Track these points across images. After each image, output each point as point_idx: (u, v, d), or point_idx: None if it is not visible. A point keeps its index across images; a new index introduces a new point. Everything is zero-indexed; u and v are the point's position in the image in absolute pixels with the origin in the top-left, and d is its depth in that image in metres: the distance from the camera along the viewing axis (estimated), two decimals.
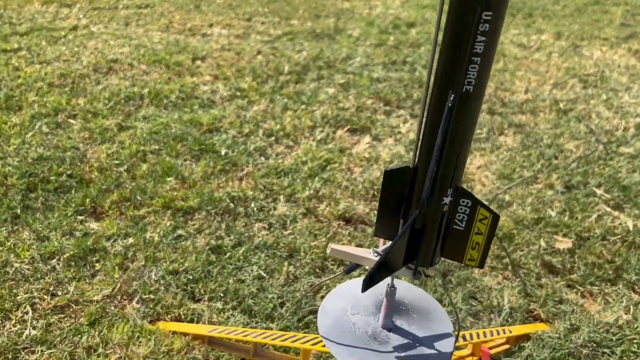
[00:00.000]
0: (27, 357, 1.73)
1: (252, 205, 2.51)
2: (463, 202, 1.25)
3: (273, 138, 3.12)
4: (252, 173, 2.76)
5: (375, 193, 2.65)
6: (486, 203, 2.62)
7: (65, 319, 1.88)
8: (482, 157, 3.11)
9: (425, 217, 1.25)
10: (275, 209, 2.51)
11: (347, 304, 1.53)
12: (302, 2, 5.79)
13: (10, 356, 1.72)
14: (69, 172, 2.64)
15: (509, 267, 2.27)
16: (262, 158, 2.92)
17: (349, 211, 2.52)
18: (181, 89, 3.61)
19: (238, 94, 3.64)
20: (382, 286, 1.42)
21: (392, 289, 1.44)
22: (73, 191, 2.51)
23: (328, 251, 1.36)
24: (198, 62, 4.11)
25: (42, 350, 1.75)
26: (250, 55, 4.27)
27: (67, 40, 4.32)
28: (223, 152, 2.91)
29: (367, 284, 1.25)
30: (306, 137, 3.17)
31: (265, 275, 2.12)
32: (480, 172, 2.96)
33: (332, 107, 3.51)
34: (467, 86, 1.07)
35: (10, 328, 1.82)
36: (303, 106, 3.51)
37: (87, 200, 2.45)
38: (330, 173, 2.83)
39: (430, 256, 1.33)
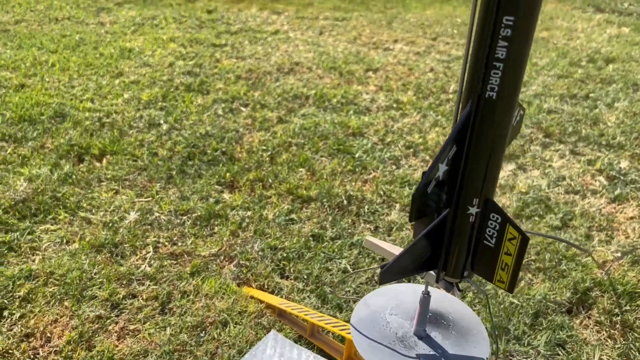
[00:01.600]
0: (137, 287, 2.09)
1: (366, 207, 2.62)
2: (493, 217, 1.22)
3: (411, 150, 3.17)
4: (377, 178, 2.87)
5: None
6: (624, 255, 2.36)
7: (175, 265, 2.22)
8: (638, 207, 2.76)
9: (453, 225, 1.25)
10: (387, 215, 2.59)
11: (389, 303, 1.57)
12: None
13: (124, 282, 2.10)
14: (223, 149, 3.04)
15: (618, 325, 2.02)
16: (393, 167, 3.00)
17: None
18: (344, 94, 3.86)
19: (395, 105, 3.76)
20: (432, 294, 1.44)
21: (425, 296, 1.44)
22: (221, 165, 2.90)
23: (363, 242, 1.42)
24: (369, 73, 4.33)
25: (148, 284, 2.10)
26: (421, 72, 4.36)
27: (266, 42, 4.90)
28: (357, 154, 3.06)
29: (382, 277, 1.28)
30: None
31: (350, 269, 2.22)
32: (629, 223, 2.64)
33: None
34: (489, 92, 1.06)
35: (133, 261, 2.22)
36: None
37: (228, 174, 2.81)
38: None
39: (460, 268, 1.32)
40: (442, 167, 1.10)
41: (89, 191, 2.62)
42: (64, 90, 3.64)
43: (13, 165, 2.76)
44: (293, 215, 2.53)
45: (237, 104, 3.64)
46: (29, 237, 2.30)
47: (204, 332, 1.90)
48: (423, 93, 3.97)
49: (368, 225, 2.50)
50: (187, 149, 3.03)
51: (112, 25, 5.08)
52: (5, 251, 2.21)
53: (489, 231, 1.24)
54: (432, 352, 1.45)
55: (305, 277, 2.17)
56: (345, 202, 2.64)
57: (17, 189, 2.57)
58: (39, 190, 2.57)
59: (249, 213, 2.52)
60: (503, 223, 1.21)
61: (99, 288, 2.05)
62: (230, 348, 1.84)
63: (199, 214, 2.50)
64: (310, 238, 2.38)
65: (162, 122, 3.32)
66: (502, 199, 2.75)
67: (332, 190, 2.70)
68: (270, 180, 2.78)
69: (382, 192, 2.74)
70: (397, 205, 2.65)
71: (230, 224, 2.45)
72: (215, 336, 1.88)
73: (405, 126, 3.46)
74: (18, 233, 2.30)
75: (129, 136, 3.14)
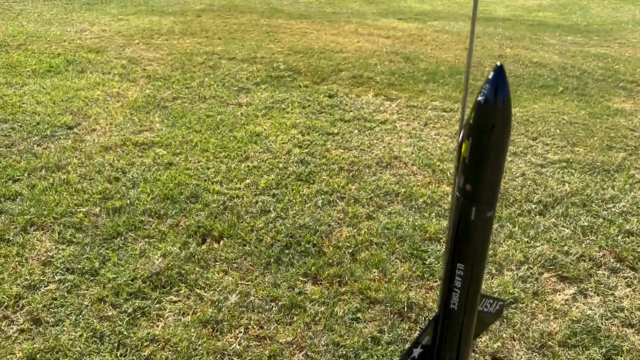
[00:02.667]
0: None
1: (425, 315, 3.05)
2: None
3: None
4: (439, 287, 3.29)
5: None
6: None
7: (259, 346, 2.83)
8: None
9: None
10: None
11: None
12: (601, 129, 5.77)
13: (218, 356, 2.75)
14: (314, 242, 3.65)
15: None
16: None
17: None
18: (431, 194, 4.31)
19: None
20: None
21: None
22: (309, 257, 3.50)
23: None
24: None
25: None
26: (511, 176, 4.67)
27: (373, 132, 5.51)
28: (428, 260, 3.51)
29: None
30: (511, 270, 3.48)
31: None
32: None
33: (553, 248, 3.69)
34: (452, 305, 1.53)
35: (227, 338, 2.86)
36: (527, 239, 3.79)
37: (314, 267, 3.40)
38: (513, 312, 3.12)
39: None
40: (417, 350, 1.58)
41: (206, 270, 3.35)
42: (200, 171, 4.51)
43: (153, 241, 3.60)
44: (359, 315, 3.05)
45: (335, 196, 4.25)
46: (157, 305, 3.05)
47: None
48: (506, 200, 4.30)
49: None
50: (286, 238, 3.68)
51: (248, 107, 6.01)
52: (139, 315, 2.97)
53: None
54: None
55: None
56: (406, 308, 3.10)
57: (154, 262, 3.37)
58: (170, 265, 3.35)
59: (322, 308, 3.08)
60: None
61: (200, 359, 2.72)
62: None
63: (284, 302, 3.11)
64: (369, 339, 2.88)
65: (271, 209, 4.02)
66: (553, 324, 3.03)
67: (397, 296, 3.17)
68: (347, 278, 3.33)
69: None
70: None
71: (307, 315, 3.02)
72: None
73: None
74: (150, 301, 3.07)
75: (243, 221, 3.87)
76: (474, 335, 1.70)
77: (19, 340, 2.77)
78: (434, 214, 4.08)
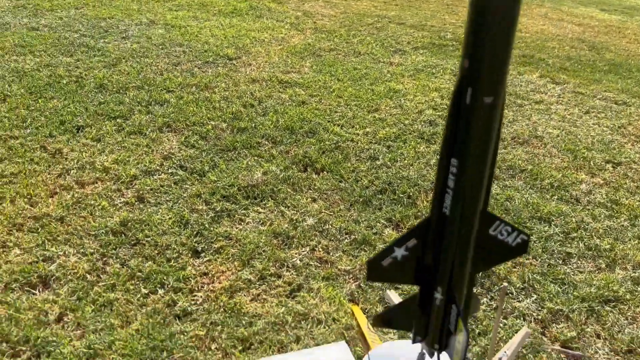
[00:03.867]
0: (284, 271, 2.81)
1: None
2: (453, 309, 1.52)
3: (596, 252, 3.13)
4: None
5: None
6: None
7: (318, 267, 2.87)
8: None
9: (426, 301, 1.58)
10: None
11: (411, 357, 1.92)
12: None
13: (278, 265, 2.85)
14: (410, 194, 3.55)
15: None
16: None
17: None
18: (561, 179, 3.89)
19: (609, 204, 3.64)
20: None
21: (422, 355, 1.77)
22: (399, 206, 3.41)
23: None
24: (608, 166, 4.18)
25: (292, 272, 2.80)
26: None
27: (521, 109, 5.10)
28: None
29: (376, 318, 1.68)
30: (624, 269, 3.02)
31: None
32: None
33: None
34: (444, 209, 1.39)
35: (292, 253, 2.95)
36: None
37: (399, 215, 3.31)
38: (608, 311, 2.73)
39: (436, 340, 1.63)
40: (400, 251, 1.46)
41: (297, 193, 3.47)
42: (327, 113, 4.62)
43: (261, 160, 3.81)
44: None
45: None
46: (243, 211, 3.25)
47: (303, 321, 2.51)
48: None
49: None
50: (383, 185, 3.63)
51: (397, 66, 5.95)
52: (224, 215, 3.20)
53: (451, 318, 1.54)
54: None
55: None
56: None
57: (254, 176, 3.58)
58: (266, 182, 3.53)
59: None
60: (457, 316, 1.50)
61: (260, 262, 2.85)
62: (310, 338, 2.42)
63: (357, 237, 3.09)
64: None
65: (380, 157, 3.98)
66: None
67: None
68: None
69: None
70: None
71: (372, 253, 2.97)
72: (304, 327, 2.47)
73: (595, 229, 3.37)
74: (237, 206, 3.28)
75: (349, 161, 3.90)
76: (481, 263, 1.53)
77: (121, 209, 3.16)
78: (556, 197, 3.68)
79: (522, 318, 2.66)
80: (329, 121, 4.48)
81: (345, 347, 2.32)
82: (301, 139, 4.13)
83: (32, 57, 5.11)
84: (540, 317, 2.68)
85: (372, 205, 3.43)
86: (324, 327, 2.48)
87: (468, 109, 1.24)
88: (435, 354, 1.69)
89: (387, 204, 3.45)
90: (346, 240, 3.09)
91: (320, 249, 3.00)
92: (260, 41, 6.36)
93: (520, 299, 2.79)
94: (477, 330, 2.54)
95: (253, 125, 4.26)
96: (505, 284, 1.90)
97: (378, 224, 3.25)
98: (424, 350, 1.74)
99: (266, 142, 4.05)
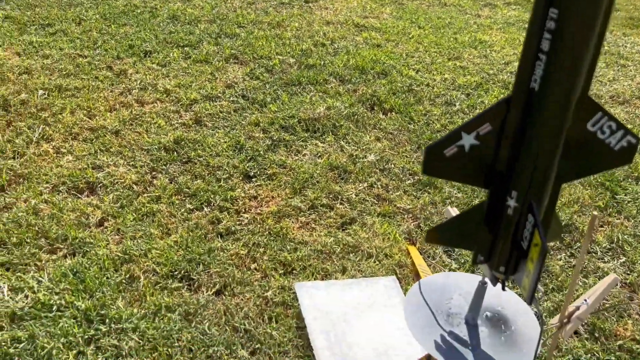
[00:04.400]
0: (326, 211, 2.59)
1: None
2: (529, 219, 1.23)
3: None
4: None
5: None
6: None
7: (375, 203, 2.62)
8: None
9: (493, 212, 1.30)
10: None
11: (467, 288, 1.65)
12: None
13: (332, 196, 2.63)
14: None
15: None
16: None
17: None
18: None
19: None
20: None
21: (481, 284, 1.49)
22: None
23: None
24: None
25: (350, 214, 2.57)
26: None
27: (624, 69, 4.54)
28: (620, 197, 2.78)
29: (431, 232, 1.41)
30: None
31: None
32: None
33: None
34: (533, 83, 1.09)
35: (347, 187, 2.72)
36: None
37: None
38: None
39: (503, 262, 1.35)
40: (469, 139, 1.18)
41: (360, 131, 3.22)
42: (403, 57, 4.31)
43: (326, 96, 3.57)
44: None
45: None
46: (301, 142, 3.05)
47: (352, 253, 2.29)
48: None
49: None
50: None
51: (486, 19, 5.49)
52: (281, 145, 3.01)
53: (525, 233, 1.26)
54: (465, 338, 1.51)
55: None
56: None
57: (316, 110, 3.36)
58: (329, 116, 3.30)
59: (459, 194, 2.70)
60: (533, 227, 1.21)
61: (312, 191, 2.64)
62: (357, 271, 2.19)
63: (422, 179, 2.81)
64: None
65: (457, 104, 3.64)
66: None
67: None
68: None
69: None
70: None
71: (439, 195, 2.69)
72: (352, 259, 2.25)
73: None
74: (296, 137, 3.08)
75: (421, 104, 3.59)
76: (571, 168, 1.21)
77: (177, 129, 3.05)
78: None
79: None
80: (403, 65, 4.17)
81: (394, 282, 2.08)
82: (371, 79, 3.86)
83: None
84: (628, 281, 2.31)
85: None
86: (375, 262, 2.25)
87: None
88: (499, 282, 1.41)
89: None
90: (409, 181, 2.82)
91: (380, 186, 2.75)
92: None
93: (606, 259, 2.42)
94: (551, 286, 2.22)
95: (322, 63, 4.03)
96: (596, 213, 1.57)
97: None
98: (486, 278, 1.47)
99: (334, 80, 3.81)
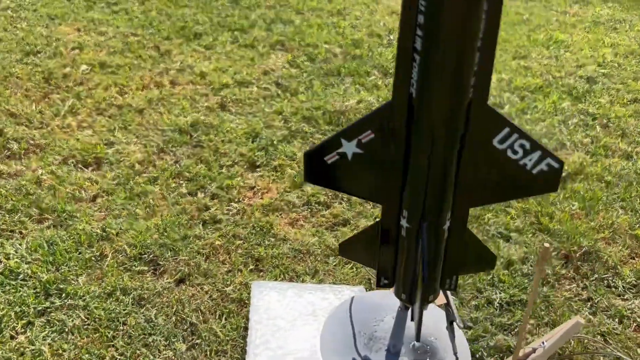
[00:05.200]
0: None
1: None
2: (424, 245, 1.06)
3: None
4: None
5: None
6: None
7: None
8: None
9: (391, 234, 1.13)
10: None
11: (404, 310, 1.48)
12: None
13: None
14: None
15: None
16: None
17: None
18: None
19: None
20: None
21: (400, 309, 1.33)
22: None
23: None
24: None
25: None
26: None
27: None
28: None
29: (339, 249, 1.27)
30: None
31: None
32: None
33: None
34: (411, 88, 0.91)
35: None
36: None
37: None
38: None
39: (406, 289, 1.18)
40: (351, 147, 1.02)
41: None
42: None
43: (362, 88, 3.41)
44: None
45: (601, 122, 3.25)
46: (319, 135, 2.93)
47: (332, 257, 2.16)
48: None
49: None
50: None
51: (572, 17, 4.99)
52: (298, 137, 2.91)
53: (424, 262, 1.08)
54: None
55: None
56: None
57: (345, 103, 3.21)
58: (356, 110, 3.14)
59: None
60: (430, 258, 1.03)
61: (312, 187, 2.53)
62: (329, 276, 2.06)
63: None
64: None
65: (506, 107, 3.33)
66: None
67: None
68: None
69: None
70: None
71: None
72: (330, 263, 2.12)
73: None
74: (315, 130, 2.97)
75: None
76: (481, 190, 1.00)
77: (199, 112, 3.06)
78: None
79: (617, 319, 1.98)
80: None
81: (360, 292, 1.93)
82: None
83: None
84: None
85: None
86: (351, 269, 2.10)
87: None
88: (411, 310, 1.24)
89: None
90: None
91: None
92: None
93: (627, 297, 2.09)
94: (546, 319, 1.95)
95: (370, 54, 3.86)
96: (547, 244, 1.32)
97: None
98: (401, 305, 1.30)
99: (376, 73, 3.63)
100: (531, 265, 2.16)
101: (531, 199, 2.54)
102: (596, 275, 2.15)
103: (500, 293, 2.04)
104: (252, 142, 2.83)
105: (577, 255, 2.22)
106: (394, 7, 4.80)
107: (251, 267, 2.10)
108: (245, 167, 2.66)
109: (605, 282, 2.13)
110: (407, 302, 1.18)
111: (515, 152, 0.98)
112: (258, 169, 2.66)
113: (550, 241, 2.27)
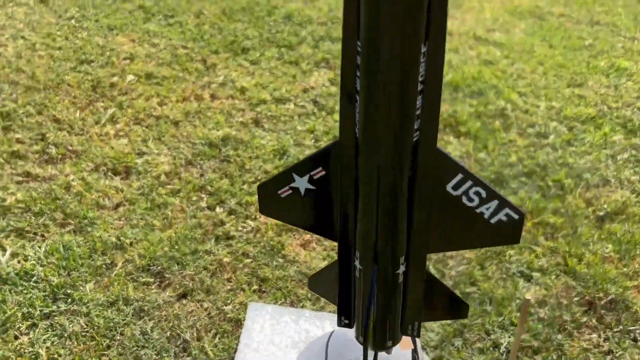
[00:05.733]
0: None
1: None
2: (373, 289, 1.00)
3: None
4: None
5: None
6: None
7: None
8: None
9: (347, 274, 1.08)
10: None
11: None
12: None
13: None
14: None
15: None
16: None
17: None
18: None
19: None
20: None
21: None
22: None
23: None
24: None
25: None
26: None
27: None
28: None
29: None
30: None
31: None
32: None
33: None
34: (356, 128, 0.86)
35: None
36: None
37: None
38: None
39: (361, 328, 1.13)
40: (303, 182, 0.98)
41: None
42: (513, 77, 3.86)
43: None
44: None
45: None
46: None
47: None
48: None
49: None
50: (534, 167, 2.87)
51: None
52: None
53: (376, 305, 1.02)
54: None
55: None
56: None
57: None
58: None
59: None
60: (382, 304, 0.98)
61: None
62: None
63: None
64: None
65: (550, 137, 3.16)
66: None
67: None
68: None
69: None
70: None
71: None
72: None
73: None
74: None
75: (506, 132, 3.18)
76: (439, 237, 0.93)
77: (232, 127, 3.10)
78: None
79: None
80: (508, 86, 3.73)
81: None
82: (460, 98, 3.52)
83: None
84: None
85: (506, 187, 2.74)
86: None
87: None
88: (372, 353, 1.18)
89: (526, 190, 2.71)
90: None
91: None
92: None
93: None
94: None
95: None
96: (529, 297, 1.20)
97: None
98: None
99: None
100: (548, 310, 2.02)
101: (560, 238, 2.39)
102: (621, 327, 1.98)
103: (509, 337, 1.92)
104: (279, 159, 2.84)
105: (602, 302, 2.05)
106: (449, 27, 4.70)
107: (255, 287, 2.09)
108: None
109: (631, 335, 1.96)
110: (364, 345, 1.13)
111: (471, 200, 0.92)
112: None
113: (574, 284, 2.12)
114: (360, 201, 0.93)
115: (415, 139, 0.85)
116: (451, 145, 3.03)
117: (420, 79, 0.80)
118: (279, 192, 1.03)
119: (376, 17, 0.74)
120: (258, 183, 1.06)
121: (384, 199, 0.89)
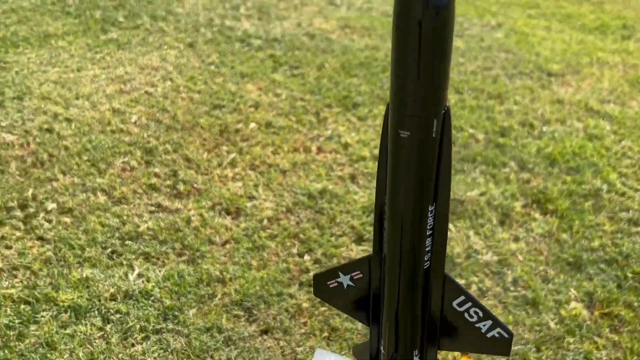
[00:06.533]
0: None
1: None
2: None
3: None
4: None
5: None
6: None
7: None
8: None
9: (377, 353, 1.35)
10: None
11: None
12: None
13: None
14: None
15: None
16: None
17: None
18: None
19: None
20: None
21: None
22: None
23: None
24: None
25: None
26: None
27: None
28: None
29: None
30: None
31: None
32: None
33: None
34: (384, 251, 1.15)
35: None
36: None
37: None
38: None
39: None
40: (346, 279, 1.27)
41: (498, 224, 3.11)
42: (617, 156, 3.85)
43: (489, 180, 3.51)
44: None
45: None
46: None
47: None
48: None
49: None
50: (617, 254, 2.91)
51: None
52: None
53: None
54: None
55: None
56: None
57: (467, 193, 3.35)
58: (475, 201, 3.27)
59: None
60: None
61: None
62: None
63: (528, 295, 2.62)
64: None
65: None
66: None
67: None
68: None
69: None
70: None
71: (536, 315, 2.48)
72: None
73: None
74: None
75: (595, 214, 3.23)
76: (448, 340, 1.17)
77: (330, 180, 3.46)
78: None
79: None
80: (609, 164, 3.74)
81: None
82: (555, 173, 3.60)
83: (361, 38, 5.80)
84: None
85: (582, 272, 2.81)
86: None
87: None
88: None
89: (602, 277, 2.77)
90: (514, 294, 2.66)
91: (477, 284, 2.68)
92: (602, 63, 5.58)
93: None
94: None
95: (514, 144, 3.92)
96: None
97: (569, 292, 2.66)
98: None
99: (513, 165, 3.69)
100: None
101: (625, 333, 2.44)
102: None
103: None
104: (367, 216, 3.15)
105: None
106: (562, 95, 4.74)
107: (325, 334, 2.41)
108: (353, 238, 2.98)
109: None
110: None
111: (471, 316, 1.16)
112: (363, 243, 2.96)
113: None
114: (385, 302, 1.21)
115: (425, 267, 1.13)
116: (535, 223, 3.15)
117: (429, 226, 1.08)
118: (328, 282, 1.34)
119: (395, 192, 1.05)
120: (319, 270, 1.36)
121: (403, 315, 1.17)
